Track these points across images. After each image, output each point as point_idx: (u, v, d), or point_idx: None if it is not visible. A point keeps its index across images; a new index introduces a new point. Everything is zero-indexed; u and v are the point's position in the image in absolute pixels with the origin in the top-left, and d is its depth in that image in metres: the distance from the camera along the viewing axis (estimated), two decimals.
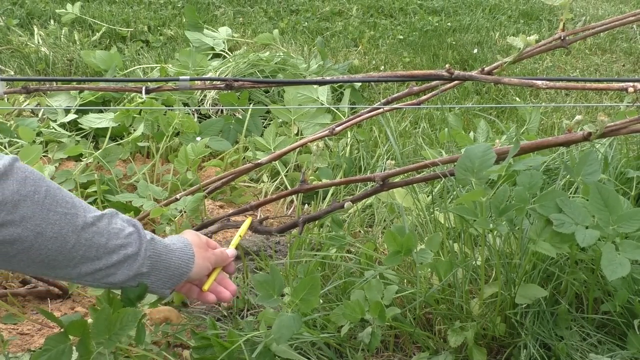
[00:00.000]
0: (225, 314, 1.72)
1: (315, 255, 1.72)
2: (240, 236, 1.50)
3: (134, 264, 1.14)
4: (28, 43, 3.78)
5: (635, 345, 1.40)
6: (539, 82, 1.50)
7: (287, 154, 2.12)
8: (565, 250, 1.37)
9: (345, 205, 1.73)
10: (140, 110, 2.60)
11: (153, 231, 1.69)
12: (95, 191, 2.05)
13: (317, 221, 1.88)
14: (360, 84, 3.20)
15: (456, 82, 1.84)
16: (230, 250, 1.37)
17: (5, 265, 1.04)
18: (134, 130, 2.58)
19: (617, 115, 2.02)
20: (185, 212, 1.96)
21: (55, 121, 2.71)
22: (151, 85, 1.91)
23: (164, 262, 1.20)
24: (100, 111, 2.73)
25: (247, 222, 1.58)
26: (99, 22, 4.21)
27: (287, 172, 2.46)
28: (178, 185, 2.25)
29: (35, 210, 1.00)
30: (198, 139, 2.40)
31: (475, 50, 4.17)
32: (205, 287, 1.30)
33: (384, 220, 2.00)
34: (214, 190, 2.13)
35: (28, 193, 0.99)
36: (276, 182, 2.43)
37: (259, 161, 2.03)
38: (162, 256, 1.19)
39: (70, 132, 2.66)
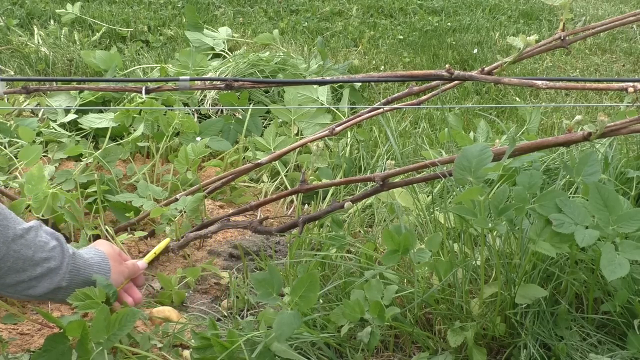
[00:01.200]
0: (225, 314, 1.72)
1: (315, 255, 1.72)
2: (155, 253, 1.61)
3: (55, 278, 1.17)
4: (28, 43, 3.78)
5: (635, 345, 1.40)
6: (539, 82, 1.50)
7: (287, 154, 2.13)
8: (565, 250, 1.37)
9: (345, 205, 1.73)
10: (140, 110, 2.60)
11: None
12: (95, 191, 2.05)
13: (317, 221, 1.88)
14: (360, 84, 3.20)
15: (456, 82, 1.84)
16: (141, 263, 1.45)
17: None
18: (134, 130, 2.58)
19: (617, 115, 2.02)
20: (185, 212, 1.96)
21: (55, 121, 2.71)
22: (151, 85, 1.91)
23: (82, 276, 1.23)
24: (100, 111, 2.73)
25: (165, 242, 1.71)
26: (99, 22, 4.21)
27: (287, 172, 2.46)
28: (178, 185, 2.25)
29: None
30: (198, 139, 2.39)
31: (475, 50, 4.17)
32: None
33: (384, 220, 2.00)
34: (214, 190, 2.14)
35: None
36: (276, 182, 2.43)
37: (259, 161, 2.04)
38: (81, 270, 1.23)
39: (70, 132, 2.66)
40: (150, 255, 1.57)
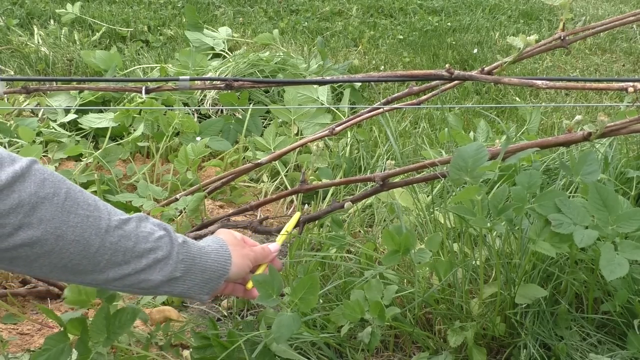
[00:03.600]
0: (225, 314, 1.72)
1: (315, 255, 1.72)
2: (287, 231, 1.46)
3: (166, 268, 1.09)
4: (28, 43, 3.78)
5: (635, 345, 1.40)
6: (539, 82, 1.50)
7: (287, 154, 2.13)
8: (564, 250, 1.36)
9: (345, 205, 1.73)
10: (140, 110, 2.60)
11: None
12: (95, 191, 2.05)
13: (317, 221, 1.88)
14: (360, 84, 3.20)
15: (456, 82, 1.84)
16: (274, 245, 1.33)
17: (27, 269, 1.01)
18: (134, 130, 2.58)
19: (617, 115, 2.02)
20: (185, 211, 1.97)
21: (55, 121, 2.71)
22: (151, 85, 1.91)
23: (198, 265, 1.14)
24: (100, 111, 2.73)
25: (295, 217, 1.52)
26: (98, 22, 4.21)
27: (287, 172, 2.46)
28: (178, 185, 2.25)
29: (54, 213, 0.97)
30: (198, 139, 2.40)
31: (475, 50, 4.17)
32: (249, 285, 1.26)
33: (384, 220, 2.00)
34: (214, 190, 2.14)
35: (47, 195, 0.96)
36: (276, 182, 2.43)
37: (259, 161, 2.04)
38: (196, 259, 1.14)
39: (70, 132, 2.66)
40: (282, 236, 1.42)
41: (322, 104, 2.84)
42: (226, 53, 3.57)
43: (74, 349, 1.27)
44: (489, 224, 1.33)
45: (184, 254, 1.12)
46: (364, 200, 2.04)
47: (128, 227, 1.06)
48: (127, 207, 2.10)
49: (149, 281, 1.09)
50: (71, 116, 2.72)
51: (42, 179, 0.97)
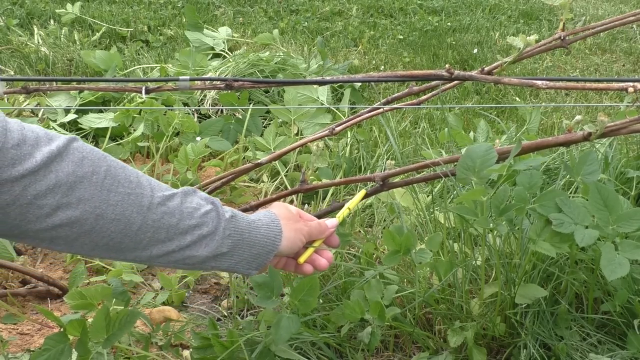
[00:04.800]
0: (225, 314, 1.72)
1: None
2: (349, 209, 1.38)
3: (212, 244, 1.06)
4: (28, 43, 3.78)
5: (635, 345, 1.40)
6: (539, 82, 1.50)
7: (287, 154, 2.12)
8: (565, 250, 1.36)
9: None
10: (140, 110, 2.60)
11: None
12: None
13: None
14: (360, 84, 3.20)
15: (456, 82, 1.83)
16: (331, 221, 1.26)
17: (69, 248, 0.98)
18: (134, 130, 2.58)
19: (617, 115, 2.02)
20: None
21: (55, 121, 2.71)
22: (151, 85, 1.91)
23: (246, 240, 1.11)
24: (100, 111, 2.73)
25: (361, 194, 1.45)
26: (99, 22, 4.21)
27: (287, 172, 2.46)
28: (178, 185, 2.25)
29: (93, 192, 0.95)
30: (198, 139, 2.40)
31: (475, 50, 4.17)
32: (301, 259, 1.21)
33: (384, 220, 2.00)
34: (214, 190, 2.13)
35: (85, 174, 0.94)
36: (276, 182, 2.43)
37: (259, 161, 2.03)
38: (244, 234, 1.10)
39: (70, 132, 2.66)
40: (344, 211, 1.34)
41: (322, 104, 2.84)
42: (226, 53, 3.57)
43: (74, 349, 1.27)
44: (491, 224, 1.33)
45: (231, 229, 1.09)
46: (364, 200, 2.04)
47: (172, 203, 1.03)
48: None
49: (194, 257, 1.06)
50: (71, 116, 2.72)
51: (81, 157, 0.95)
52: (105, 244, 0.99)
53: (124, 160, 2.54)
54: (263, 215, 1.16)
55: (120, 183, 0.98)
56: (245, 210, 1.98)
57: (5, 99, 2.77)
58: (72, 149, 0.94)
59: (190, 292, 1.82)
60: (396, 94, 1.94)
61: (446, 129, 2.33)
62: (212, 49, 3.65)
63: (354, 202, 1.40)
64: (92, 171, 0.95)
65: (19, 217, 0.91)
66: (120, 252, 1.02)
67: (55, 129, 2.60)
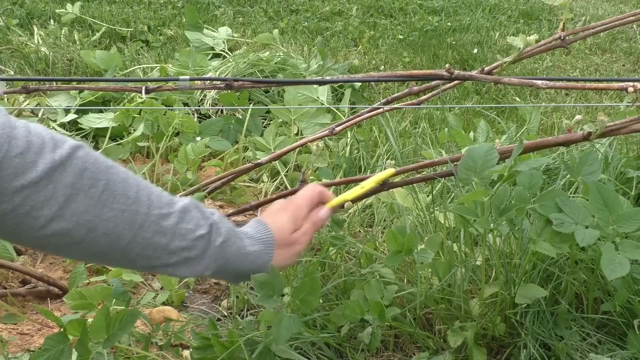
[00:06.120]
0: (225, 314, 1.72)
1: (315, 255, 1.72)
2: (375, 181, 1.41)
3: (197, 267, 1.08)
4: (28, 43, 3.78)
5: (635, 345, 1.40)
6: (539, 82, 1.50)
7: (287, 154, 2.12)
8: (565, 250, 1.36)
9: (345, 205, 1.73)
10: (140, 110, 2.60)
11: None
12: None
13: None
14: (360, 84, 3.20)
15: (456, 82, 1.83)
16: (324, 212, 1.34)
17: (57, 253, 1.02)
18: (134, 130, 2.58)
19: (617, 115, 2.02)
20: None
21: (55, 121, 2.71)
22: (151, 85, 1.91)
23: (232, 265, 1.12)
24: (100, 111, 2.73)
25: (389, 172, 1.45)
26: (98, 22, 4.21)
27: (287, 172, 2.46)
28: (178, 185, 2.25)
29: (88, 206, 0.94)
30: (198, 139, 2.39)
31: (475, 50, 4.17)
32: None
33: (384, 220, 2.00)
34: (214, 190, 2.13)
35: (83, 187, 0.94)
36: (276, 182, 2.43)
37: (259, 161, 2.03)
38: (230, 260, 1.11)
39: (70, 132, 2.66)
40: (369, 184, 1.38)
41: (322, 104, 2.84)
42: (226, 53, 3.57)
43: (74, 349, 1.26)
44: (492, 224, 1.33)
45: (219, 255, 1.09)
46: (364, 200, 2.04)
47: (167, 223, 1.03)
48: None
49: (176, 274, 1.08)
50: (71, 116, 2.72)
51: (82, 169, 0.94)
52: (92, 253, 1.00)
53: (124, 161, 2.54)
54: (258, 237, 1.18)
55: (116, 199, 0.98)
56: (245, 210, 1.99)
57: (5, 99, 2.77)
58: (76, 159, 0.94)
59: (191, 292, 1.82)
60: (396, 94, 1.94)
61: (446, 129, 2.33)
62: (212, 49, 3.65)
63: (379, 177, 1.42)
64: (91, 184, 0.95)
65: (14, 225, 0.92)
66: (106, 262, 1.06)
67: (55, 129, 2.60)
